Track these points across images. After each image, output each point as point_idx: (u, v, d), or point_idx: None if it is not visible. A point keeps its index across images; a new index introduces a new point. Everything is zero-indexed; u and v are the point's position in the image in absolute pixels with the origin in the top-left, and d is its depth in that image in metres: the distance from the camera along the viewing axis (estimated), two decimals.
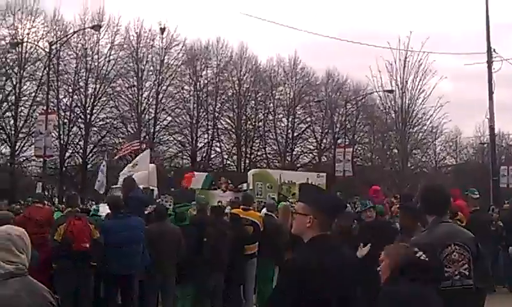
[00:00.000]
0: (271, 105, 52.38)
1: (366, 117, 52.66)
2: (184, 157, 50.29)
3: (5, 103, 41.96)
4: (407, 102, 48.85)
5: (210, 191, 22.40)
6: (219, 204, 18.04)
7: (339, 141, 49.59)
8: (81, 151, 46.11)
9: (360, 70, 76.56)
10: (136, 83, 47.14)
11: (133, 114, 47.36)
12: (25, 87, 43.22)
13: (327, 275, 3.66)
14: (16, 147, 42.75)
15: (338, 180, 40.26)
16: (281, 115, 53.19)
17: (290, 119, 52.90)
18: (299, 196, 4.11)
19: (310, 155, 54.46)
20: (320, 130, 53.46)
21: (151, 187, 22.69)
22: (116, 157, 30.12)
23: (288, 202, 19.07)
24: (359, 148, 53.26)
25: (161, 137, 49.35)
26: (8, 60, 41.70)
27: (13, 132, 42.67)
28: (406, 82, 48.33)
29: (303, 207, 3.90)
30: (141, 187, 22.92)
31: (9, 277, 3.50)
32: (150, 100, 48.15)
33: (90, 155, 46.73)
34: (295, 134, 53.06)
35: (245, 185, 26.13)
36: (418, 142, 50.41)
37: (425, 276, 3.99)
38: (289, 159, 52.54)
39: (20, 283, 3.53)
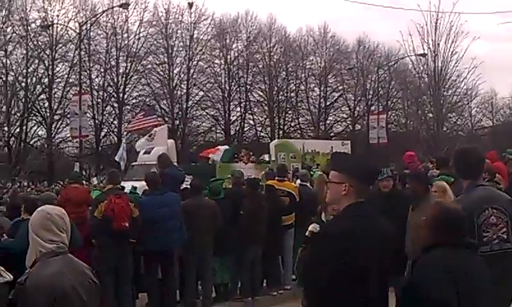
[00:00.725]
0: (302, 75, 52.12)
1: (399, 82, 52.06)
2: (218, 131, 50.46)
3: (39, 86, 42.45)
4: (440, 64, 48.13)
5: (231, 164, 22.13)
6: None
7: (372, 108, 49.22)
8: (116, 130, 46.59)
9: (391, 35, 75.47)
10: (166, 59, 47.29)
11: (165, 90, 47.59)
12: (57, 69, 43.77)
13: (363, 243, 3.61)
14: (52, 129, 43.33)
15: (373, 148, 40.02)
16: (313, 85, 52.93)
17: (322, 89, 52.60)
18: (332, 164, 4.05)
19: (344, 123, 54.20)
20: (353, 98, 53.10)
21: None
22: (130, 130, 29.86)
23: (312, 172, 18.93)
24: (393, 114, 52.81)
25: (194, 113, 49.56)
26: (40, 43, 42.12)
27: (48, 114, 43.25)
28: (438, 44, 47.57)
29: (338, 175, 3.84)
30: None
31: (51, 256, 3.55)
32: (182, 75, 48.31)
33: (125, 133, 47.10)
34: (327, 103, 52.78)
35: (266, 156, 25.90)
36: (452, 105, 49.69)
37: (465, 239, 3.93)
38: (323, 128, 52.34)
39: (62, 261, 3.56)
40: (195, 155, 28.37)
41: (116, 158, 25.24)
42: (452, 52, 47.47)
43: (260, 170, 20.74)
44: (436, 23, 46.92)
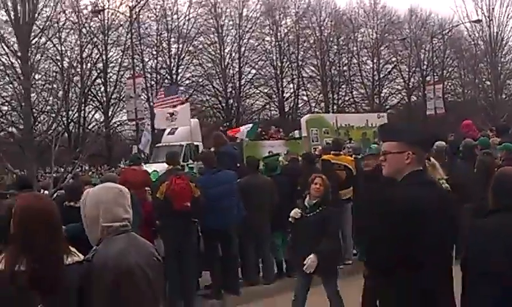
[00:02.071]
0: (354, 48, 51.52)
1: (454, 51, 51.01)
2: (272, 108, 50.44)
3: (94, 71, 43.15)
4: (495, 30, 46.89)
5: (258, 141, 21.91)
6: (270, 153, 17.81)
7: (428, 79, 48.42)
8: None
9: (443, 3, 73.76)
10: (217, 39, 47.40)
11: (217, 70, 47.75)
12: (111, 53, 44.45)
13: (430, 209, 3.59)
14: (109, 113, 44.07)
15: (431, 118, 39.37)
16: (366, 57, 52.33)
17: (375, 61, 51.94)
18: (388, 134, 3.99)
19: (399, 95, 53.44)
20: (407, 69, 52.24)
21: (195, 143, 22.54)
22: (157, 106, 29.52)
23: (346, 147, 18.56)
24: (449, 84, 51.73)
25: (247, 91, 49.61)
26: (92, 28, 42.75)
27: (104, 99, 43.98)
28: (493, 9, 46.38)
29: (397, 145, 3.80)
30: (184, 143, 23.08)
31: (117, 234, 3.60)
32: (233, 54, 48.39)
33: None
34: (381, 76, 52.10)
35: (297, 132, 25.44)
36: (510, 71, 48.38)
37: None
38: (377, 102, 51.73)
39: (127, 239, 3.60)
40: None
41: (140, 147, 25.10)
42: (507, 16, 46.21)
43: (290, 147, 20.49)
44: None
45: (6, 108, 34.51)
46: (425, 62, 51.11)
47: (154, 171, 11.45)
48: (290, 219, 7.26)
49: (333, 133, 24.35)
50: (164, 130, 24.40)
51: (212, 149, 11.29)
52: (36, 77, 21.42)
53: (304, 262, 6.93)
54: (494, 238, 3.69)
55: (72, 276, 3.40)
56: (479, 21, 45.76)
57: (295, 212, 7.21)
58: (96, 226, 3.60)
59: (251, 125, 25.29)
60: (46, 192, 12.36)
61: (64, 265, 3.40)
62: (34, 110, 14.73)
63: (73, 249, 3.51)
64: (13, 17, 14.28)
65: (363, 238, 8.05)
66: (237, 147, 18.35)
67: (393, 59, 52.10)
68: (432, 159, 7.84)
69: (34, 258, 3.31)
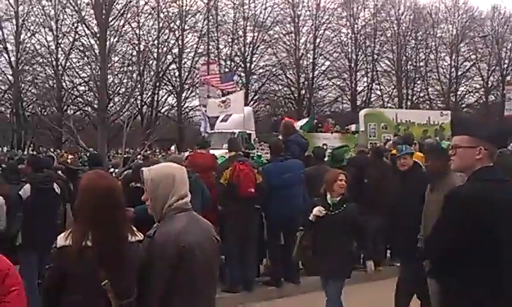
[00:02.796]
0: (433, 43, 50.47)
1: None
2: (344, 101, 50.04)
3: (169, 56, 43.83)
4: None
5: (313, 133, 21.53)
6: (324, 145, 17.47)
7: (508, 78, 46.93)
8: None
9: None
10: (292, 29, 47.36)
11: (291, 60, 47.74)
12: (187, 39, 45.01)
13: (498, 208, 3.46)
14: (182, 98, 44.71)
15: (508, 120, 38.12)
16: (444, 53, 51.24)
17: (453, 58, 50.75)
18: (460, 128, 3.88)
19: (476, 94, 52.17)
20: (486, 67, 50.84)
21: (247, 131, 22.35)
22: (205, 81, 29.09)
23: (418, 143, 18.05)
24: None
25: (320, 83, 49.43)
26: (170, 14, 43.40)
27: (178, 83, 44.63)
28: None
29: (469, 139, 3.70)
30: (236, 131, 22.93)
31: (178, 212, 3.64)
32: (308, 45, 48.23)
33: (251, 102, 47.85)
34: (459, 73, 50.87)
35: (353, 126, 24.98)
36: None
37: None
38: (453, 99, 50.59)
39: (188, 217, 3.65)
40: (277, 124, 27.58)
41: (201, 129, 25.06)
42: None
43: (345, 141, 20.16)
44: None
45: (83, 88, 35.70)
46: (506, 61, 49.69)
47: (221, 156, 11.49)
48: (311, 218, 6.81)
49: (392, 129, 24.05)
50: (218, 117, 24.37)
51: (280, 137, 11.27)
52: (114, 59, 21.97)
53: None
54: None
55: (134, 254, 3.51)
56: None
57: (319, 210, 6.76)
58: (161, 203, 3.65)
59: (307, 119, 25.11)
60: (116, 170, 12.64)
61: (128, 242, 3.51)
62: (109, 91, 15.04)
63: (134, 228, 3.59)
64: (94, 0, 14.60)
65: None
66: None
67: (473, 56, 50.80)
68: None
69: (99, 235, 3.42)
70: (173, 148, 24.99)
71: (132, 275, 3.49)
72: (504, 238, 3.47)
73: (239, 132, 22.31)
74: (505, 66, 49.88)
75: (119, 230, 3.50)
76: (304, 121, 24.12)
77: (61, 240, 3.46)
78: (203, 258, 3.57)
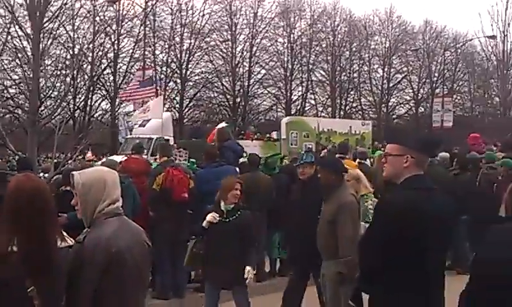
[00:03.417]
0: (366, 55, 51.49)
1: (466, 65, 50.92)
2: (279, 109, 50.43)
3: (104, 60, 43.20)
4: (509, 46, 46.88)
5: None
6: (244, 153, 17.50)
7: (437, 91, 48.33)
8: (178, 105, 47.05)
9: (459, 17, 73.72)
10: (229, 37, 47.42)
11: (227, 68, 47.78)
12: (123, 44, 44.44)
13: (424, 216, 3.57)
14: (116, 102, 44.10)
15: (436, 131, 39.26)
16: (377, 65, 52.33)
17: (385, 70, 51.89)
18: (390, 137, 4.01)
19: (407, 105, 53.48)
20: (417, 80, 52.21)
21: (165, 137, 22.22)
22: (124, 99, 28.79)
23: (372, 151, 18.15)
24: (458, 98, 51.65)
25: (255, 91, 49.67)
26: (107, 17, 42.75)
27: (112, 88, 44.02)
28: (509, 25, 46.32)
29: (398, 148, 3.82)
30: (154, 136, 22.72)
31: (109, 217, 3.60)
32: (244, 53, 48.37)
33: (186, 109, 47.66)
34: (391, 85, 52.06)
35: (274, 134, 24.97)
36: None
37: None
38: (385, 110, 51.70)
39: (119, 222, 3.61)
40: (197, 130, 26.76)
41: (121, 137, 24.64)
42: None
43: (266, 148, 20.27)
44: (507, 3, 45.71)
45: (13, 91, 34.71)
46: (436, 75, 51.09)
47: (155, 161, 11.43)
48: (204, 224, 6.78)
49: (314, 138, 24.30)
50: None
51: (214, 144, 11.29)
52: (47, 62, 21.44)
53: (245, 276, 6.63)
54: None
55: (63, 259, 3.42)
56: (493, 37, 45.73)
57: (213, 216, 6.74)
58: (92, 208, 3.60)
59: (222, 125, 24.90)
60: (46, 175, 12.38)
61: (56, 247, 3.41)
62: (41, 94, 14.69)
63: (65, 233, 3.52)
64: (28, 1, 14.25)
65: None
66: (210, 145, 17.97)
67: (404, 69, 52.08)
68: (357, 171, 7.68)
69: (26, 239, 3.31)
70: (89, 154, 24.06)
71: (60, 282, 3.40)
72: (430, 246, 3.58)
73: (157, 138, 21.98)
74: (435, 79, 51.27)
75: (46, 235, 3.38)
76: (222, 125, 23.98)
77: None
78: (133, 263, 3.52)
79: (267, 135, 24.89)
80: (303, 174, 7.48)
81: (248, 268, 6.71)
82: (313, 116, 44.69)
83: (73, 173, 3.74)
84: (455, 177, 10.86)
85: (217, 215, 6.77)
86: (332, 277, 6.50)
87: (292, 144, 22.72)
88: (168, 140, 22.10)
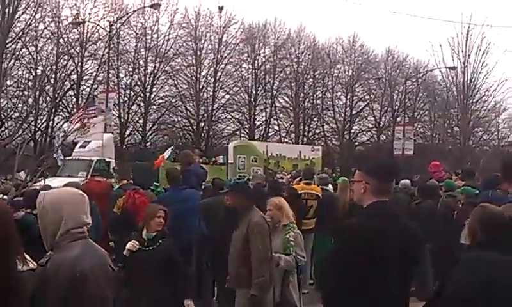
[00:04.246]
0: (330, 83, 51.93)
1: (426, 94, 51.79)
2: (242, 134, 50.48)
3: (67, 82, 42.82)
4: (469, 77, 47.78)
5: (176, 164, 21.16)
6: None
7: (398, 119, 48.95)
8: (141, 129, 46.82)
9: (420, 47, 75.16)
10: (194, 62, 47.45)
11: (191, 92, 47.75)
12: (86, 66, 44.12)
13: (378, 242, 3.59)
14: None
15: (397, 159, 39.72)
16: (340, 93, 52.75)
17: (348, 97, 52.38)
18: (354, 162, 4.08)
19: (369, 133, 53.96)
20: (379, 108, 52.83)
21: (106, 159, 21.81)
22: (71, 128, 27.89)
23: (277, 177, 18.07)
24: (419, 126, 52.42)
25: (219, 115, 49.66)
26: (70, 40, 42.50)
27: (75, 110, 43.58)
28: (469, 56, 47.23)
29: (358, 174, 3.87)
30: (94, 158, 22.17)
31: (74, 240, 3.55)
32: (209, 78, 48.44)
33: (149, 132, 47.40)
34: (353, 112, 52.56)
35: (221, 158, 24.90)
36: (480, 119, 49.22)
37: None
38: (347, 137, 52.16)
39: (83, 245, 3.57)
40: (140, 153, 26.00)
41: (57, 158, 23.83)
42: (482, 64, 47.15)
43: (213, 172, 20.18)
44: (467, 34, 46.68)
45: None
46: (397, 103, 51.71)
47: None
48: (124, 253, 6.59)
49: (262, 162, 24.12)
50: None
51: (178, 167, 11.26)
52: (8, 82, 21.21)
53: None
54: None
55: (25, 284, 3.32)
56: (454, 68, 46.59)
57: (132, 244, 6.57)
58: (55, 230, 3.55)
59: (171, 148, 24.52)
60: (5, 197, 12.17)
61: (17, 272, 3.30)
62: (2, 115, 14.54)
63: (27, 256, 3.44)
64: None
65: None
66: (155, 168, 17.72)
67: (367, 97, 52.64)
68: (279, 199, 7.64)
69: None
70: (22, 174, 23.09)
71: (22, 306, 3.31)
72: (384, 270, 3.59)
73: (97, 160, 21.41)
74: (397, 107, 51.89)
75: (8, 262, 3.24)
76: (168, 151, 23.58)
77: None
78: (96, 287, 3.50)
79: (213, 158, 24.67)
80: (227, 200, 7.39)
81: (187, 302, 6.68)
82: (276, 142, 44.91)
83: (41, 192, 3.69)
84: (417, 205, 11.01)
85: (137, 243, 6.59)
86: (245, 303, 6.42)
87: (239, 169, 22.55)
88: (109, 162, 21.61)
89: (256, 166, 23.68)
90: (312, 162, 25.51)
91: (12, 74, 27.69)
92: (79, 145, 23.28)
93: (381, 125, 53.03)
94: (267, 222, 6.72)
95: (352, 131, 53.30)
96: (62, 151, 23.05)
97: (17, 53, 19.54)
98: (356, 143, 52.41)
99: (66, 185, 7.87)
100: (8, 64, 16.92)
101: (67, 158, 23.11)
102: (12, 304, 3.24)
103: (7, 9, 13.48)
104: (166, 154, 22.67)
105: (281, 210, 7.19)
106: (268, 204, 7.12)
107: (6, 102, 15.36)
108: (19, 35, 15.45)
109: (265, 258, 6.27)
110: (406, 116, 48.24)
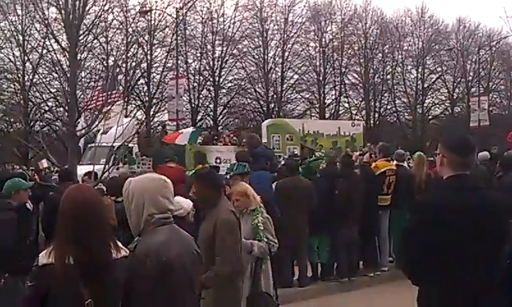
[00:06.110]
0: (399, 56, 50.97)
1: (501, 63, 50.12)
2: (313, 114, 50.26)
3: (138, 71, 43.61)
4: None
5: (205, 146, 20.43)
6: (217, 160, 16.90)
7: (473, 90, 47.68)
8: (211, 113, 47.25)
9: (493, 14, 72.68)
10: (261, 43, 47.45)
11: (260, 74, 47.81)
12: (155, 53, 44.78)
13: (458, 214, 3.53)
14: (151, 112, 44.49)
15: (473, 131, 38.76)
16: (410, 66, 51.69)
17: (419, 70, 51.30)
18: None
19: (442, 106, 52.72)
20: (452, 80, 51.49)
21: (129, 145, 21.66)
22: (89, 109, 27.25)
23: (315, 156, 17.46)
24: (494, 96, 50.89)
25: (289, 96, 49.53)
26: (139, 29, 43.22)
27: (146, 98, 44.44)
28: None
29: (439, 146, 3.83)
30: (116, 144, 21.84)
31: (159, 225, 3.62)
32: (276, 59, 48.35)
33: (220, 116, 47.82)
34: (425, 85, 51.42)
35: None
36: None
37: None
38: (420, 111, 51.18)
39: (169, 231, 3.64)
40: (209, 137, 25.27)
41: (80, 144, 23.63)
42: None
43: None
44: None
45: (51, 104, 35.30)
46: (471, 74, 50.37)
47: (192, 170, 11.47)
48: None
49: (298, 141, 23.20)
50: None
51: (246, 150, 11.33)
52: (82, 74, 21.71)
53: None
54: None
55: (120, 271, 3.40)
56: None
57: None
58: (139, 216, 3.63)
59: (191, 130, 23.51)
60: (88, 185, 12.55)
61: (112, 258, 3.38)
62: (79, 107, 14.95)
63: (120, 243, 3.50)
64: (63, 14, 14.49)
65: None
66: (179, 151, 17.31)
67: (439, 69, 51.41)
68: (242, 185, 7.00)
69: (82, 251, 3.27)
70: (44, 162, 22.95)
71: (117, 294, 3.39)
72: (459, 244, 3.55)
73: (119, 145, 21.35)
74: (470, 78, 50.58)
75: (102, 245, 3.35)
76: (187, 133, 22.41)
77: (43, 257, 3.28)
78: (183, 272, 3.55)
79: (243, 139, 24.38)
80: (234, 185, 7.07)
81: None
82: (347, 119, 44.38)
83: (128, 179, 3.77)
84: (499, 179, 10.51)
85: None
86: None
87: (274, 148, 21.02)
88: (131, 147, 21.57)
89: (292, 145, 22.78)
90: (352, 138, 24.59)
91: (85, 66, 28.36)
92: (100, 132, 23.38)
93: (454, 97, 51.74)
94: (236, 216, 5.88)
95: (425, 105, 52.19)
96: (84, 140, 23.15)
97: (89, 45, 20.00)
98: (430, 117, 51.32)
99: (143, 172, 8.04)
100: (81, 57, 17.32)
101: (90, 145, 22.95)
102: (107, 290, 3.32)
103: (77, 2, 13.84)
104: (186, 135, 21.77)
105: (247, 195, 6.66)
106: (233, 195, 6.60)
107: (81, 93, 15.77)
108: (90, 27, 15.84)
109: (233, 255, 5.51)
110: (481, 86, 46.92)
